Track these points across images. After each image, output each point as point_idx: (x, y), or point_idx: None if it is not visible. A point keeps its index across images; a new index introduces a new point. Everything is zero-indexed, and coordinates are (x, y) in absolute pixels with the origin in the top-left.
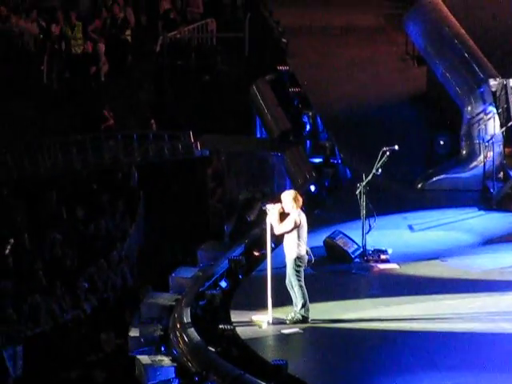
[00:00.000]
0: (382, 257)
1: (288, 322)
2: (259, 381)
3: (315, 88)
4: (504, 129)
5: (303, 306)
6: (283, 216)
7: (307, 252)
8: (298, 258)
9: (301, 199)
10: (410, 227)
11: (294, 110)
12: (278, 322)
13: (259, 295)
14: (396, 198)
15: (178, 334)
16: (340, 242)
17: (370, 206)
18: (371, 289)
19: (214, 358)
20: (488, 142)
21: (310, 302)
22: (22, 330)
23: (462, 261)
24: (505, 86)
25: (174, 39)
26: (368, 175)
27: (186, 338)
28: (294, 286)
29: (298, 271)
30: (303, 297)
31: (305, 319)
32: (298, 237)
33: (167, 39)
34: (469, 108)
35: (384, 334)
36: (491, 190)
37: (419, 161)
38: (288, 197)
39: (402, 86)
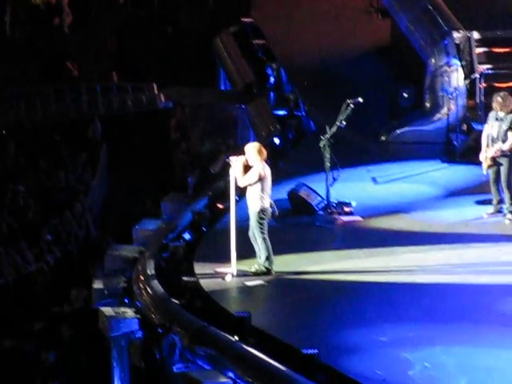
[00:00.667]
0: (346, 209)
1: (251, 273)
2: (223, 332)
3: (279, 40)
4: (467, 81)
5: (267, 258)
6: (247, 168)
7: (271, 205)
8: (262, 211)
9: (265, 151)
10: (374, 180)
11: (258, 62)
12: (242, 274)
13: (223, 248)
14: (360, 150)
15: (142, 286)
16: (304, 194)
17: (333, 158)
18: (335, 241)
19: (178, 310)
20: (451, 94)
21: (274, 254)
22: None
23: (426, 213)
24: (468, 39)
25: None
26: (332, 127)
27: (149, 290)
28: (258, 239)
29: (261, 224)
30: (267, 249)
31: (268, 271)
32: (262, 189)
33: None
34: (432, 60)
35: (347, 286)
36: (454, 143)
37: (383, 113)
38: (252, 149)
39: (366, 38)
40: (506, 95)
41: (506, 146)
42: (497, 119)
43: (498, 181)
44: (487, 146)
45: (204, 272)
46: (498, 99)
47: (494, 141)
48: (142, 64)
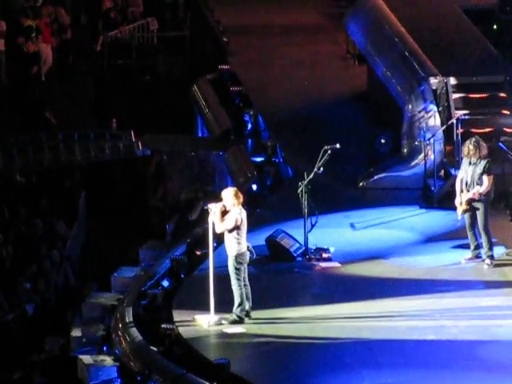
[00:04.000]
0: (324, 255)
1: (226, 323)
2: (202, 380)
3: (256, 87)
4: (444, 127)
5: (239, 305)
6: (225, 214)
7: (248, 248)
8: (239, 255)
9: (241, 196)
10: (352, 226)
11: (236, 109)
12: (221, 321)
13: (202, 294)
14: (338, 196)
15: (120, 334)
16: (282, 240)
17: (311, 204)
18: (313, 287)
19: (157, 358)
20: (429, 140)
21: (253, 301)
22: None
23: (404, 259)
24: (445, 84)
25: (115, 38)
26: (310, 174)
27: (128, 338)
28: (233, 285)
29: (237, 269)
30: (240, 296)
31: (241, 319)
32: (238, 234)
33: (108, 38)
34: (409, 106)
35: (326, 332)
36: (432, 188)
37: (361, 159)
38: (229, 194)
39: (343, 84)
40: (477, 140)
41: (481, 189)
42: (470, 163)
43: (474, 225)
44: (461, 191)
45: (183, 319)
46: (469, 146)
47: (468, 185)
48: (121, 112)
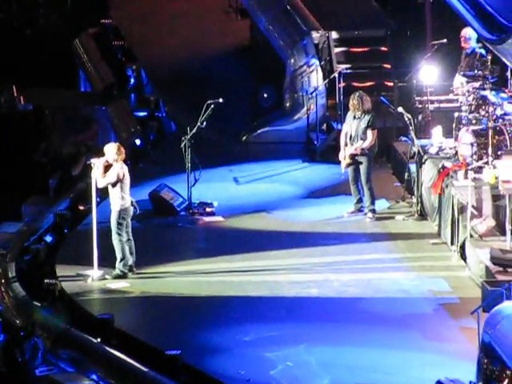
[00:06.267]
0: (208, 210)
1: (109, 277)
2: (85, 335)
3: (139, 41)
4: (327, 81)
5: (121, 259)
6: (108, 169)
7: (132, 204)
8: (123, 210)
9: (124, 151)
10: (236, 180)
11: (118, 64)
12: (105, 276)
13: (85, 249)
14: (221, 150)
15: (3, 289)
16: (165, 195)
17: (195, 159)
18: (197, 242)
19: (40, 313)
20: (311, 94)
21: (137, 255)
22: None
23: (287, 213)
24: (327, 38)
25: None
26: (193, 128)
27: (10, 293)
28: (113, 240)
29: (120, 224)
30: (122, 250)
31: (124, 274)
32: (121, 189)
33: None
34: (292, 60)
35: (210, 287)
36: (315, 142)
37: (245, 114)
38: (111, 149)
39: (226, 38)
40: (361, 95)
41: (365, 144)
42: (354, 118)
43: (357, 179)
44: (345, 144)
45: (66, 274)
46: (353, 101)
47: (352, 139)
48: (1, 66)
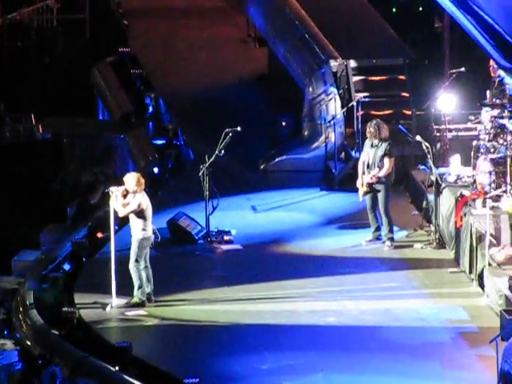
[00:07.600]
0: (226, 238)
1: (127, 306)
2: (103, 363)
3: (157, 70)
4: (345, 109)
5: (139, 287)
6: (126, 198)
7: (154, 232)
8: (145, 239)
9: (143, 182)
10: (254, 208)
11: (136, 92)
12: (123, 304)
13: (103, 277)
14: (239, 179)
15: (21, 318)
16: (183, 223)
17: (213, 187)
18: (215, 270)
19: (58, 341)
20: (329, 122)
21: (155, 283)
22: None
23: (305, 242)
24: (345, 67)
25: (14, 21)
26: (211, 156)
27: (28, 321)
28: (131, 267)
29: (139, 252)
30: (139, 278)
31: (142, 302)
32: (144, 218)
33: (7, 21)
34: (310, 89)
35: (228, 315)
36: (333, 171)
37: (263, 142)
38: (131, 179)
39: (244, 67)
40: (378, 123)
41: (382, 172)
42: (372, 146)
43: (374, 208)
44: (363, 173)
45: (84, 302)
46: (370, 129)
47: (369, 167)
48: (20, 95)
